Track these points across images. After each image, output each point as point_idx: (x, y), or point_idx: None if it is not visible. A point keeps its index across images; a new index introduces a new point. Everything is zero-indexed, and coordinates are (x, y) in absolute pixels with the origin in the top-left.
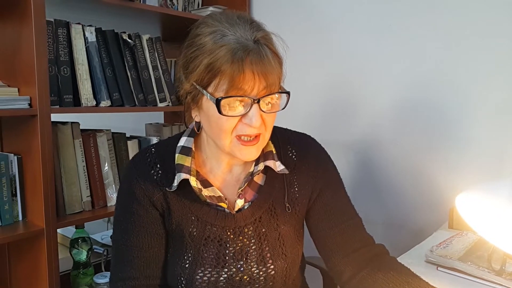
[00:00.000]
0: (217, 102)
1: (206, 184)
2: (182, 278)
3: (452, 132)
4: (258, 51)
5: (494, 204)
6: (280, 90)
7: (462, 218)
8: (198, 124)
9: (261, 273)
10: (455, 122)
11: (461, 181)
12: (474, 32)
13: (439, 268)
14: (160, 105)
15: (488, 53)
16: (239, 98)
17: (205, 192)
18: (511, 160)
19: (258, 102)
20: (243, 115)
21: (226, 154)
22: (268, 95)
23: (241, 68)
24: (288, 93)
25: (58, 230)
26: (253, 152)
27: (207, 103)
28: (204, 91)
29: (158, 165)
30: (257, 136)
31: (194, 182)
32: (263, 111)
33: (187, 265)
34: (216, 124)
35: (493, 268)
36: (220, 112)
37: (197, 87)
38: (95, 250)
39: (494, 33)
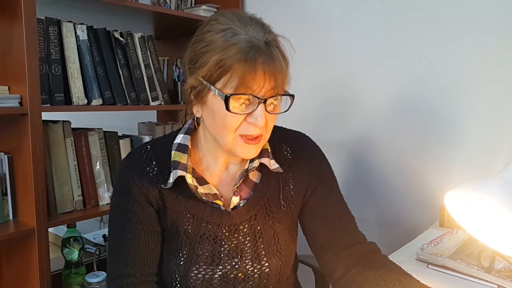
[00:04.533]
0: (226, 99)
1: (202, 181)
2: (176, 275)
3: (444, 132)
4: (270, 52)
5: (483, 202)
6: (284, 93)
7: (452, 216)
8: (198, 120)
9: (255, 270)
10: (446, 122)
11: (452, 180)
12: (466, 32)
13: (429, 266)
14: (152, 103)
15: (479, 53)
16: (247, 97)
17: (201, 190)
18: (501, 158)
19: (265, 102)
20: (248, 114)
21: (226, 151)
22: (274, 96)
23: (254, 67)
24: (292, 96)
25: (50, 230)
26: (253, 151)
27: (214, 99)
28: (212, 87)
29: (154, 162)
30: (258, 136)
31: (190, 179)
32: (268, 111)
33: (181, 263)
34: (221, 121)
35: (483, 266)
36: (227, 108)
37: (204, 82)
38: (87, 249)
39: (485, 33)
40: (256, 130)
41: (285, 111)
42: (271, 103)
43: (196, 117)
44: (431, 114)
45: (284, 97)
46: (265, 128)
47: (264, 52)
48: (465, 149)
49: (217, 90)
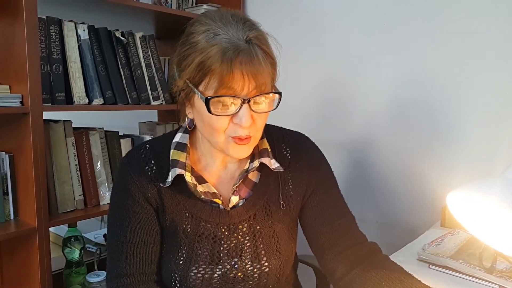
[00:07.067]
0: (206, 101)
1: (200, 180)
2: (176, 275)
3: (445, 132)
4: (249, 51)
5: (484, 202)
6: (272, 90)
7: (454, 216)
8: (192, 121)
9: (255, 270)
10: (447, 122)
11: (453, 180)
12: (466, 32)
13: (431, 266)
14: (153, 103)
15: (479, 53)
16: (230, 98)
17: (200, 188)
18: (502, 158)
19: (249, 102)
20: (233, 115)
21: (220, 151)
22: (258, 95)
23: (230, 68)
24: (279, 93)
25: (51, 229)
26: (245, 150)
27: (199, 102)
28: (195, 89)
29: (153, 161)
30: (248, 137)
31: (189, 177)
32: (253, 111)
33: (181, 262)
34: (207, 122)
35: (484, 266)
36: (209, 111)
37: (189, 85)
38: (88, 249)
39: (485, 33)
40: (243, 131)
41: (274, 109)
42: (259, 102)
43: (189, 119)
44: (433, 114)
45: (277, 94)
46: (254, 128)
47: (243, 51)
48: (466, 149)
49: (199, 93)
